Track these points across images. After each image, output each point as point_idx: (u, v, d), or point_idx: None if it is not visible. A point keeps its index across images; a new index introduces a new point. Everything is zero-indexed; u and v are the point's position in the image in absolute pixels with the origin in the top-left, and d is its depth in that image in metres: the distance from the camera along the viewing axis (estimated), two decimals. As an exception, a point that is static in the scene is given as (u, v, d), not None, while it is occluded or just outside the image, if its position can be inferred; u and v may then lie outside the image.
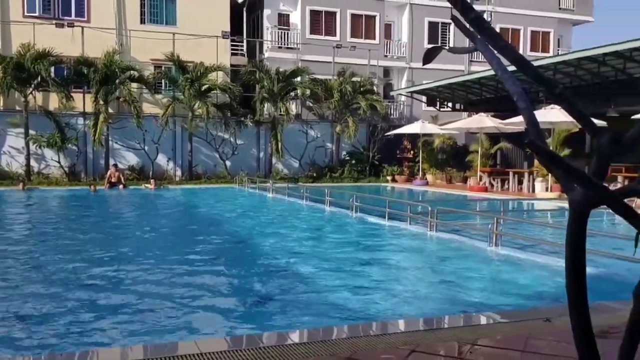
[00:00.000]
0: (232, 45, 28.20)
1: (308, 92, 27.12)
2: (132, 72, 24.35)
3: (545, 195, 18.53)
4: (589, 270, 1.52)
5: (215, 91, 25.37)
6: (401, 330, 4.25)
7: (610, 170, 17.67)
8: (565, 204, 1.52)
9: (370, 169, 28.13)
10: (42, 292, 6.76)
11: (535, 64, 14.83)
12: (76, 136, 23.88)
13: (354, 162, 28.01)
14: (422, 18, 31.75)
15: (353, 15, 30.21)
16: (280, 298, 6.61)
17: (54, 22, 24.44)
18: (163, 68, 26.19)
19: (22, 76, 22.77)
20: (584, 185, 1.42)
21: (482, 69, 25.88)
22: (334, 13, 29.93)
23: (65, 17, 25.03)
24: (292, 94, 27.41)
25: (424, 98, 29.33)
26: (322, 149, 28.33)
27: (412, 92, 28.33)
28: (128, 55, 25.41)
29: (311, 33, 29.42)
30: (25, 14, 24.53)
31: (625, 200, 1.48)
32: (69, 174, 24.04)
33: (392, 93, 31.05)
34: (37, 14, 24.57)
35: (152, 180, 23.16)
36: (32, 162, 23.82)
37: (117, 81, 23.91)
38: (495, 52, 1.52)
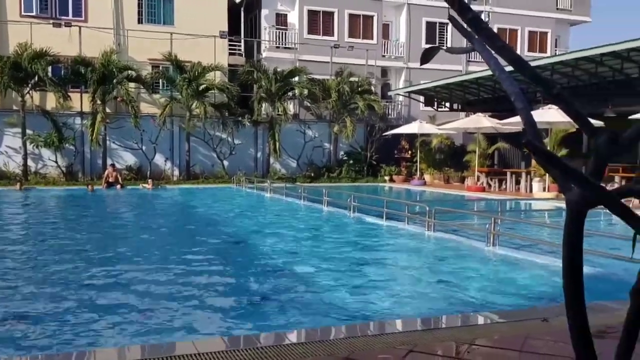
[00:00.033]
0: (229, 45, 28.18)
1: (306, 92, 27.12)
2: (129, 71, 24.30)
3: (542, 195, 18.56)
4: (586, 270, 1.52)
5: (213, 91, 25.35)
6: (399, 330, 4.25)
7: (608, 170, 17.69)
8: (563, 204, 1.52)
9: (368, 169, 28.14)
10: (38, 292, 6.74)
11: (533, 64, 14.85)
12: (73, 136, 23.85)
13: (351, 162, 28.02)
14: (420, 18, 31.78)
15: (351, 15, 30.22)
16: (277, 298, 6.61)
17: (51, 21, 24.40)
18: (161, 68, 26.16)
19: (19, 76, 22.72)
20: (581, 185, 1.43)
21: (479, 69, 25.91)
22: (332, 13, 29.94)
23: (63, 17, 24.98)
24: (290, 93, 27.40)
25: (421, 98, 29.36)
26: (320, 149, 28.33)
27: (409, 92, 28.35)
28: (126, 55, 25.37)
29: (309, 33, 29.42)
30: (23, 13, 24.47)
31: (623, 200, 1.49)
32: (67, 173, 23.99)
33: (389, 93, 31.07)
34: (34, 14, 24.52)
35: (149, 180, 23.14)
36: (30, 162, 23.77)
37: (114, 81, 23.86)
38: (493, 52, 1.52)
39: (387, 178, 26.94)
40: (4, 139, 23.76)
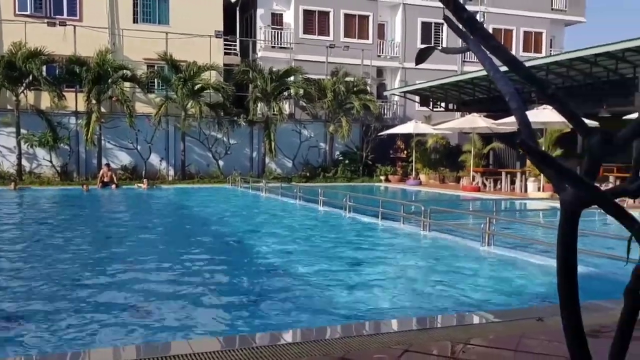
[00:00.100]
0: (225, 44, 28.14)
1: (301, 91, 27.11)
2: (124, 71, 24.24)
3: (537, 195, 18.62)
4: (580, 269, 1.53)
5: (208, 91, 25.32)
6: (394, 329, 4.25)
7: (602, 170, 17.77)
8: (557, 204, 1.53)
9: (363, 168, 28.16)
10: (32, 292, 6.72)
11: (528, 64, 14.88)
12: (68, 135, 23.77)
13: (347, 162, 28.03)
14: (415, 18, 31.82)
15: (346, 15, 30.23)
16: (272, 298, 6.61)
17: (45, 20, 24.31)
18: (156, 67, 26.10)
19: (14, 75, 22.63)
20: (576, 185, 1.43)
21: (474, 69, 25.96)
22: (327, 13, 29.94)
23: (57, 16, 24.88)
24: (286, 93, 27.39)
25: (417, 98, 29.40)
26: (316, 149, 28.34)
27: (405, 92, 28.39)
28: (121, 55, 25.31)
29: (304, 33, 29.41)
30: (17, 12, 24.37)
31: (617, 200, 1.49)
32: (61, 173, 23.92)
33: (385, 93, 31.10)
34: (28, 13, 24.42)
35: (144, 180, 23.08)
36: (24, 162, 23.68)
37: (109, 80, 23.80)
38: (488, 52, 1.52)
39: (382, 178, 26.96)
40: (-2, 139, 23.68)
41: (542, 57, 24.57)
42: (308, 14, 29.63)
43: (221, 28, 27.33)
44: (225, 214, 15.85)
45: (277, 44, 29.22)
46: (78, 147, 24.41)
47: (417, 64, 1.89)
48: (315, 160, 28.22)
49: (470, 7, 28.80)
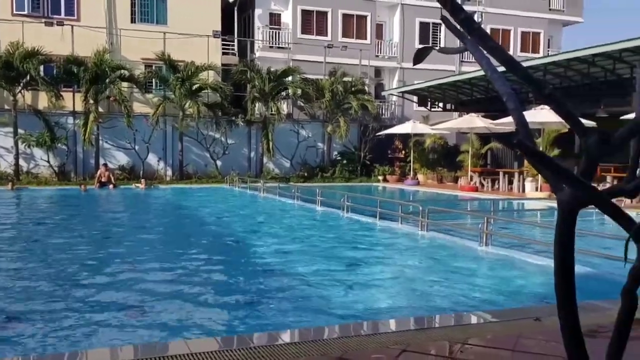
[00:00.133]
0: (223, 44, 28.12)
1: (299, 91, 27.10)
2: (122, 71, 24.21)
3: (535, 195, 18.64)
4: (577, 269, 1.53)
5: (206, 90, 25.30)
6: (392, 329, 4.25)
7: (600, 170, 17.80)
8: (555, 204, 1.53)
9: (361, 168, 28.15)
10: (29, 292, 6.71)
11: (525, 64, 14.88)
12: (66, 135, 23.72)
13: (345, 162, 28.03)
14: (413, 18, 31.83)
15: (344, 15, 30.23)
16: (270, 298, 6.61)
17: (43, 20, 24.26)
18: (154, 67, 26.07)
19: (11, 75, 22.58)
20: (573, 185, 1.43)
21: (472, 69, 25.99)
22: (325, 13, 29.94)
23: (55, 16, 24.84)
24: (284, 93, 27.38)
25: (415, 98, 29.41)
26: (314, 149, 28.33)
27: (403, 92, 28.40)
28: (118, 55, 25.27)
29: (302, 33, 29.40)
30: (14, 12, 24.32)
31: (614, 200, 1.49)
32: (59, 173, 23.87)
33: (383, 93, 31.10)
34: (26, 12, 24.38)
35: (142, 180, 23.06)
36: (21, 162, 23.64)
37: (107, 80, 23.77)
38: (485, 52, 1.52)
39: (380, 178, 26.97)
40: (-5, 139, 23.63)
41: (539, 58, 24.62)
42: (306, 14, 29.63)
43: (219, 28, 27.31)
44: (223, 214, 15.84)
45: (275, 44, 29.22)
46: (76, 147, 24.36)
47: (415, 64, 1.89)
48: (313, 160, 28.21)
49: (467, 7, 28.80)
